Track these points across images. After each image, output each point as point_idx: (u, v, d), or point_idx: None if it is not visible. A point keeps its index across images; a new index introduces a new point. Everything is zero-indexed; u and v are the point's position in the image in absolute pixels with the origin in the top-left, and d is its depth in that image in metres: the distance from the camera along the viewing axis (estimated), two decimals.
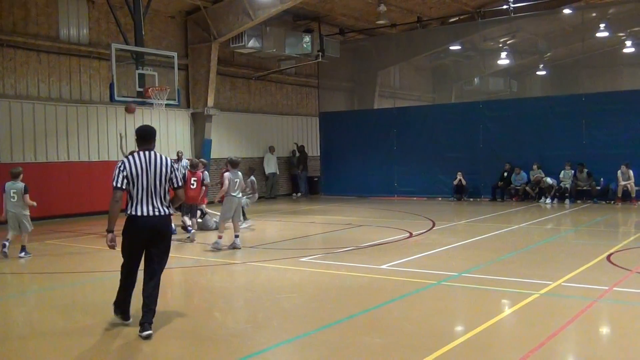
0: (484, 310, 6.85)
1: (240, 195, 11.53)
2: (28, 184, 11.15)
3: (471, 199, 20.92)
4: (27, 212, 11.00)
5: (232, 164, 11.60)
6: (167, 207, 6.24)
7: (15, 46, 16.73)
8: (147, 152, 6.23)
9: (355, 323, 6.39)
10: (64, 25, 17.87)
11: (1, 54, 16.43)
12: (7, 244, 10.96)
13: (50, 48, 17.47)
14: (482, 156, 20.90)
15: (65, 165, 17.72)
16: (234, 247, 11.24)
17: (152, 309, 6.12)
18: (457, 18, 25.61)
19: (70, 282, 9.25)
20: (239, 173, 11.56)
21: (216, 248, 11.17)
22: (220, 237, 11.30)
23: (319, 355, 5.51)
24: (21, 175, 10.95)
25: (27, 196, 10.87)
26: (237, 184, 11.35)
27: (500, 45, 25.92)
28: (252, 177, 14.54)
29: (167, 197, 6.27)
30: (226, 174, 11.39)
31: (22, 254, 10.93)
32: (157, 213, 6.12)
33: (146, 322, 6.06)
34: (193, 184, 13.27)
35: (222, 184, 11.51)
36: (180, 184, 6.37)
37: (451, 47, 25.50)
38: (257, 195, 14.82)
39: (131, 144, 14.97)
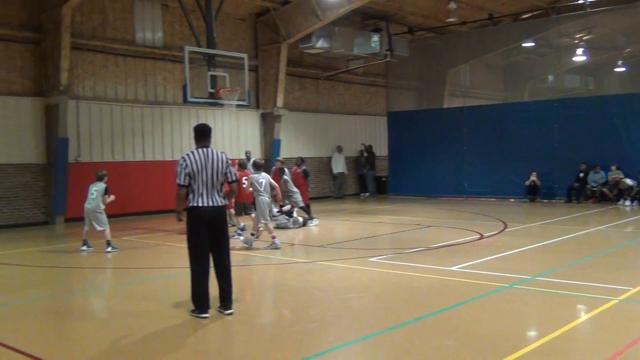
0: (559, 315, 6.62)
1: (269, 195, 11.76)
2: (106, 182, 11.76)
3: (545, 200, 20.29)
4: (101, 210, 11.61)
5: (256, 166, 11.99)
6: (223, 199, 6.79)
7: (94, 50, 17.44)
8: (205, 149, 6.76)
9: (424, 325, 6.30)
10: (139, 29, 18.51)
11: (81, 57, 17.16)
12: (85, 248, 11.59)
13: (127, 51, 18.13)
14: (557, 156, 20.22)
15: (141, 165, 18.35)
16: (247, 242, 11.48)
17: (230, 291, 6.74)
18: (530, 14, 24.90)
19: (145, 277, 9.56)
20: (264, 174, 11.81)
21: (276, 247, 11.27)
22: (274, 238, 11.41)
23: (386, 356, 5.47)
24: (105, 178, 11.72)
25: (107, 196, 11.55)
26: (263, 184, 11.58)
27: (576, 41, 25.07)
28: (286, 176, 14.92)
29: (223, 190, 6.81)
30: (251, 176, 11.76)
31: (109, 249, 11.50)
32: (215, 204, 6.67)
33: (227, 302, 6.70)
34: (244, 183, 13.56)
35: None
36: (234, 178, 6.92)
37: (524, 44, 24.85)
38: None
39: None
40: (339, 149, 24.26)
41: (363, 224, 15.52)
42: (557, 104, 21.02)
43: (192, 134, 7.13)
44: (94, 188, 11.58)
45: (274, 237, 11.40)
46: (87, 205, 11.58)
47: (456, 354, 5.41)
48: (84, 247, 11.66)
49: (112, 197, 11.72)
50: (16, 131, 16.13)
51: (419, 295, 7.66)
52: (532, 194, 20.34)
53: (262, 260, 10.66)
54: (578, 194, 19.61)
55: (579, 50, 24.90)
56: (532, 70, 27.16)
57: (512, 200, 20.77)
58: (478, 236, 12.49)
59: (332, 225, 15.33)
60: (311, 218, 15.25)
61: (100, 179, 11.66)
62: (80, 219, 12.20)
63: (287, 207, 14.94)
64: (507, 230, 13.49)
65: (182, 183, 6.62)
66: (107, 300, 8.28)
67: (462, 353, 5.42)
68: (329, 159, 24.30)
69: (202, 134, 6.89)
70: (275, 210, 14.52)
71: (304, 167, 16.31)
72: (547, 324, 6.31)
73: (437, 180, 22.82)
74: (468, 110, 23.51)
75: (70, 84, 16.62)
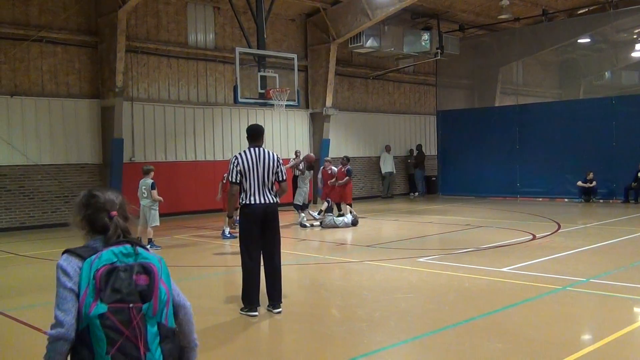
0: (614, 319, 6.43)
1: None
2: (159, 182, 12.06)
3: (601, 201, 19.72)
4: (155, 207, 11.84)
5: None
6: (275, 196, 6.91)
7: (148, 52, 17.86)
8: (257, 149, 6.91)
9: (474, 326, 6.22)
10: (192, 32, 18.85)
11: (136, 60, 17.60)
12: (149, 247, 11.85)
13: (180, 53, 18.50)
14: (615, 155, 19.61)
15: (192, 164, 18.69)
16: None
17: (279, 289, 6.84)
18: (587, 9, 24.21)
19: (196, 275, 9.74)
20: (306, 172, 11.98)
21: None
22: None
23: (435, 357, 5.43)
24: (151, 173, 11.94)
25: (155, 192, 11.76)
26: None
27: (635, 36, 24.20)
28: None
29: (274, 188, 6.94)
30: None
31: (149, 246, 11.70)
32: (267, 201, 6.79)
33: (276, 301, 6.78)
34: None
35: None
36: (284, 177, 7.02)
37: (580, 40, 24.16)
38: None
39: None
40: (387, 149, 24.15)
41: (412, 224, 15.41)
42: (615, 101, 20.38)
43: (243, 134, 7.27)
44: (143, 185, 11.84)
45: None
46: (142, 202, 11.83)
47: (507, 357, 5.32)
48: (149, 246, 11.90)
49: (161, 199, 11.90)
50: (74, 132, 16.67)
51: (469, 297, 7.57)
52: (588, 194, 19.80)
53: (311, 260, 10.71)
54: (636, 194, 18.99)
55: (638, 46, 24.04)
56: (588, 67, 26.38)
57: (566, 200, 20.27)
58: (530, 237, 12.24)
59: (380, 225, 15.28)
60: (341, 214, 15.44)
61: (146, 173, 11.89)
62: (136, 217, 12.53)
63: (325, 206, 15.20)
64: (561, 231, 13.18)
65: (233, 180, 6.80)
66: None
67: (513, 356, 5.33)
68: (378, 158, 24.22)
69: (255, 134, 7.04)
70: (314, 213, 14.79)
71: (348, 167, 16.36)
72: (601, 328, 6.15)
73: (488, 180, 22.45)
74: (521, 108, 23.03)
75: (125, 86, 17.07)
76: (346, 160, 16.29)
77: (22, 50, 15.77)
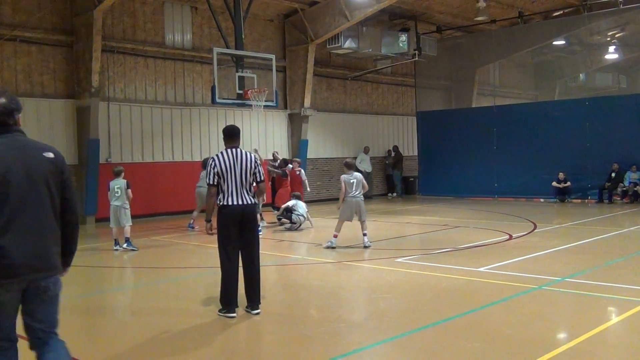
0: (589, 317, 6.52)
1: (361, 195, 11.48)
2: (136, 183, 12.02)
3: (576, 201, 19.99)
4: (128, 207, 11.84)
5: (347, 166, 11.58)
6: (253, 197, 6.88)
7: (125, 52, 17.69)
8: (234, 150, 6.88)
9: (452, 326, 6.26)
10: (169, 31, 18.72)
11: (112, 60, 17.42)
12: (118, 247, 11.74)
13: (157, 53, 18.35)
14: (589, 155, 19.89)
15: (170, 165, 18.55)
16: (364, 246, 11.21)
17: (257, 290, 6.83)
18: (562, 12, 24.53)
19: (174, 276, 9.66)
20: (356, 173, 11.52)
21: (330, 247, 11.19)
22: (335, 237, 11.30)
23: (414, 357, 5.45)
24: (122, 174, 11.91)
25: (130, 190, 11.76)
26: (354, 184, 11.31)
27: (608, 39, 24.59)
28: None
29: (252, 189, 6.91)
30: (342, 177, 11.34)
31: (125, 245, 11.65)
32: (245, 202, 6.76)
33: (255, 302, 6.79)
34: None
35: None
36: (262, 178, 6.98)
37: (555, 42, 24.46)
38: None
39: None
40: (365, 150, 24.20)
41: (390, 225, 15.47)
42: (589, 102, 20.67)
43: (220, 135, 7.21)
44: (116, 185, 11.75)
45: (335, 236, 11.30)
46: (115, 202, 11.74)
47: (484, 356, 5.36)
48: (117, 247, 11.80)
49: (130, 194, 11.90)
50: (49, 132, 16.43)
51: (447, 297, 7.61)
52: (563, 194, 20.05)
53: (289, 261, 10.70)
54: (610, 194, 19.27)
55: (611, 48, 24.44)
56: (562, 69, 26.71)
57: (542, 200, 20.51)
58: (507, 237, 12.36)
59: (358, 225, 15.31)
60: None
61: (118, 174, 11.84)
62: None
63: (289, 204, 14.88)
64: (536, 230, 13.33)
65: (210, 182, 6.78)
66: (137, 298, 8.39)
67: (490, 355, 5.38)
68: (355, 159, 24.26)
69: (231, 135, 7.01)
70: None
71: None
72: (577, 326, 6.23)
73: (467, 180, 22.64)
74: (498, 109, 23.27)
75: (101, 86, 16.88)
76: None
77: None
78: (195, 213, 14.69)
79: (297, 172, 16.08)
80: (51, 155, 3.78)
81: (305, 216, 14.51)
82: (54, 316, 3.75)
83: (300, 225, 14.40)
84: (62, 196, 3.82)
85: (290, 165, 16.44)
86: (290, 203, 14.61)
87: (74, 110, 16.78)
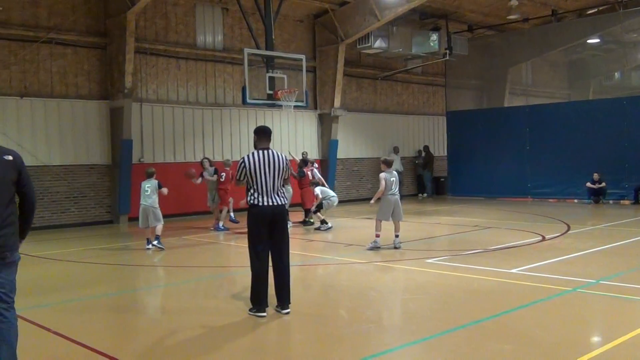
0: (624, 321, 6.38)
1: (399, 193, 11.39)
2: (168, 183, 12.18)
3: (611, 202, 19.60)
4: (157, 207, 11.97)
5: (387, 163, 11.42)
6: (283, 198, 6.93)
7: (157, 54, 17.92)
8: (265, 151, 6.92)
9: (482, 328, 6.20)
10: (200, 33, 18.90)
11: (145, 61, 17.66)
12: (150, 246, 11.88)
13: (188, 54, 18.54)
14: (625, 156, 19.48)
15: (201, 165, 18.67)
16: (394, 247, 11.13)
17: (287, 290, 6.84)
18: (596, 9, 24.09)
19: (205, 275, 9.74)
20: (395, 172, 11.44)
21: (375, 247, 11.11)
22: (377, 237, 11.22)
23: (444, 359, 5.40)
24: (154, 175, 12.10)
25: (164, 189, 11.95)
26: (394, 182, 11.20)
27: None
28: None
29: (282, 190, 6.97)
30: (382, 175, 11.18)
31: (155, 242, 11.74)
32: (275, 203, 6.82)
33: (284, 301, 6.79)
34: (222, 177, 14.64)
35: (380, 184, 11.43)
36: (287, 176, 7.21)
37: (589, 41, 24.02)
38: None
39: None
40: (395, 150, 24.10)
41: (420, 225, 15.37)
42: (626, 102, 20.26)
43: (251, 135, 7.25)
44: (147, 185, 11.95)
45: (377, 236, 11.19)
46: (144, 202, 11.92)
47: (516, 359, 5.29)
48: (149, 246, 11.94)
49: (166, 190, 12.03)
50: (83, 133, 16.75)
51: (478, 298, 7.53)
52: (597, 195, 19.69)
53: (319, 261, 10.71)
54: None
55: None
56: (597, 68, 26.21)
57: (576, 201, 20.17)
58: (540, 238, 12.18)
59: (389, 225, 15.24)
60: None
61: (150, 175, 12.05)
62: None
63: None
64: (570, 232, 13.10)
65: (238, 178, 6.95)
66: (167, 297, 8.48)
67: (522, 358, 5.30)
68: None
69: (263, 135, 7.06)
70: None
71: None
72: (611, 330, 6.10)
73: (498, 181, 22.37)
74: (530, 109, 22.93)
75: (134, 87, 17.13)
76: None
77: (31, 52, 15.85)
78: (223, 213, 14.77)
79: (309, 172, 16.04)
80: (10, 157, 4.65)
81: (334, 196, 14.71)
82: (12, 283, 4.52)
83: (335, 203, 14.57)
84: (19, 190, 4.72)
85: (315, 165, 16.49)
86: (316, 192, 14.64)
87: (108, 111, 17.06)
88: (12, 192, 4.63)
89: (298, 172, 15.62)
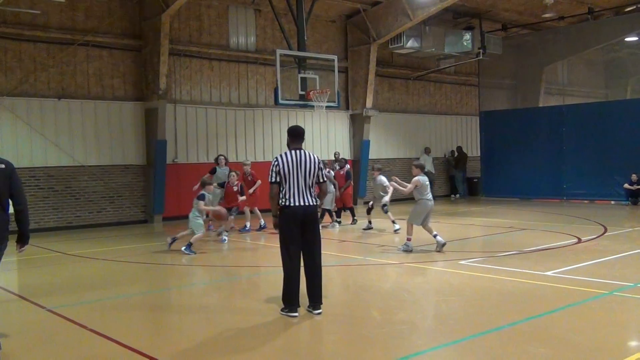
0: None
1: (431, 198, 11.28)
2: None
3: None
4: (197, 216, 11.67)
5: (421, 167, 11.37)
6: (315, 199, 6.95)
7: (191, 55, 18.13)
8: (298, 151, 6.93)
9: (517, 330, 6.12)
10: (233, 34, 19.05)
11: (179, 62, 17.88)
12: (170, 240, 11.91)
13: (221, 56, 18.71)
14: None
15: (234, 166, 18.80)
16: (442, 246, 10.95)
17: (319, 290, 6.86)
18: (634, 7, 23.56)
19: (237, 275, 9.81)
20: (425, 177, 11.31)
21: (407, 250, 11.07)
22: (409, 240, 11.14)
23: None
24: (206, 186, 11.93)
25: (201, 203, 11.61)
26: (428, 186, 11.14)
27: None
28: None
29: (314, 191, 6.96)
30: (418, 178, 11.06)
31: (183, 248, 11.47)
32: (307, 203, 6.84)
33: (316, 302, 6.81)
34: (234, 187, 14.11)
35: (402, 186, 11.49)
36: (324, 179, 7.05)
37: (627, 39, 23.51)
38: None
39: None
40: (427, 150, 23.95)
41: (453, 226, 15.24)
42: None
43: (283, 135, 7.28)
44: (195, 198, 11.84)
45: (409, 240, 11.15)
46: (191, 212, 11.77)
47: None
48: (183, 248, 11.89)
49: (206, 208, 11.77)
50: (119, 134, 17.03)
51: (512, 300, 7.44)
52: (635, 196, 19.27)
53: (352, 261, 10.69)
54: None
55: None
56: (635, 66, 25.63)
57: (613, 202, 19.77)
58: (575, 240, 11.98)
59: (420, 227, 15.15)
60: (336, 221, 15.52)
61: (202, 185, 11.93)
62: (177, 218, 12.65)
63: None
64: (607, 234, 12.85)
65: (271, 180, 6.86)
66: (201, 296, 8.57)
67: None
68: (417, 160, 24.04)
69: (296, 136, 7.09)
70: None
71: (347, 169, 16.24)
72: None
73: (533, 182, 22.06)
74: (566, 108, 22.55)
75: (168, 89, 17.35)
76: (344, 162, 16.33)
77: (69, 54, 16.18)
78: (249, 213, 14.85)
79: (342, 172, 15.96)
80: (2, 166, 5.61)
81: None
82: None
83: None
84: (11, 193, 5.66)
85: (347, 166, 16.42)
86: (387, 184, 13.91)
87: (143, 112, 17.32)
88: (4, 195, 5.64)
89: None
